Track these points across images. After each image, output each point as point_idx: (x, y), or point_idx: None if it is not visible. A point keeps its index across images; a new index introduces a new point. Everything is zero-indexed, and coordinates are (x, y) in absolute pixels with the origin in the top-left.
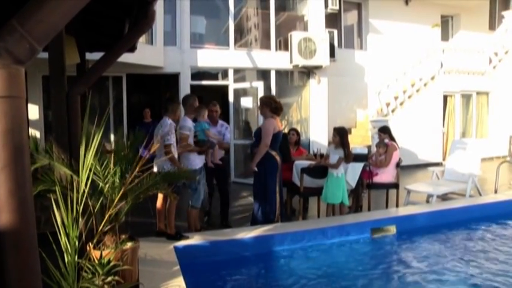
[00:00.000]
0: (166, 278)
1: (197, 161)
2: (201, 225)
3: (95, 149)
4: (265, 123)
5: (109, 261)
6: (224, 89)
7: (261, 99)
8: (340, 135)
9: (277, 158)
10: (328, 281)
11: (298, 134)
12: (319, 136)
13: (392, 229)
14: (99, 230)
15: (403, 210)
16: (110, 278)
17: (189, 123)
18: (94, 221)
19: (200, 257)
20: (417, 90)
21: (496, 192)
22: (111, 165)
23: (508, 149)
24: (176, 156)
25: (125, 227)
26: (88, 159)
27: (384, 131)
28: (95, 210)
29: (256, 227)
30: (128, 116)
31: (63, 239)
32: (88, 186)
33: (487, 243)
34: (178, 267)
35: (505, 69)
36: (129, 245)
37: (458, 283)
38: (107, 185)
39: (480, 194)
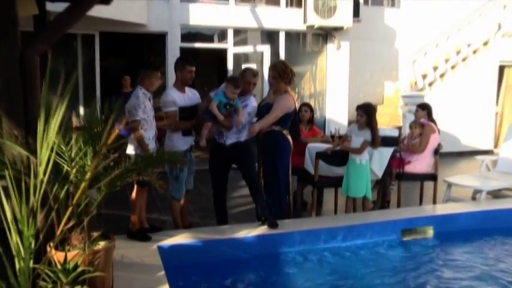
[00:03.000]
0: (147, 285)
1: (180, 143)
2: (191, 221)
3: (57, 124)
4: (282, 101)
5: (76, 266)
6: (221, 54)
7: (276, 66)
8: (368, 114)
9: (290, 139)
10: None
11: (312, 110)
12: (337, 114)
13: (429, 231)
14: (63, 225)
15: (443, 209)
16: None
17: (171, 96)
18: (56, 215)
19: (190, 259)
20: (463, 59)
21: None
22: (80, 145)
23: None
24: (150, 135)
25: (98, 222)
26: (49, 136)
27: (423, 107)
28: (58, 201)
29: (259, 224)
30: (101, 85)
31: (14, 239)
32: (49, 170)
33: None
34: (163, 272)
35: None
36: (101, 244)
37: None
38: (74, 169)
39: None
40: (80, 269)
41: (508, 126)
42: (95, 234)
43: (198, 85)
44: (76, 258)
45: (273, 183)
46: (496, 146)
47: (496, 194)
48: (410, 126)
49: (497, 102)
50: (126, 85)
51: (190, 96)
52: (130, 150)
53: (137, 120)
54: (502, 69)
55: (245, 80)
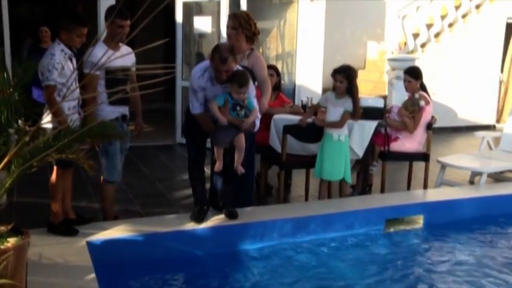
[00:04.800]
0: None
1: (108, 110)
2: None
3: None
4: (259, 58)
5: None
6: (168, 4)
7: (237, 15)
8: (349, 79)
9: None
10: None
11: (278, 74)
12: (309, 80)
13: (418, 221)
14: None
15: (435, 194)
16: None
17: (94, 56)
18: None
19: (128, 258)
20: (463, 16)
21: None
22: None
23: None
24: (71, 104)
25: (8, 214)
26: None
27: (416, 76)
28: None
29: (215, 213)
30: (12, 39)
31: None
32: None
33: None
34: (93, 275)
35: None
36: (11, 242)
37: None
38: None
39: None
40: None
41: None
42: (3, 228)
43: (139, 43)
44: None
45: (248, 165)
46: (498, 120)
47: (498, 177)
48: (406, 107)
49: (502, 68)
50: (45, 39)
51: (124, 56)
52: (46, 122)
53: (51, 85)
54: (509, 28)
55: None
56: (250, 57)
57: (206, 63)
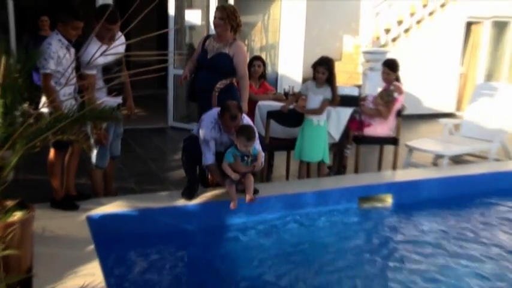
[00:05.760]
0: (74, 263)
1: (109, 101)
2: (116, 189)
3: None
4: (241, 48)
5: None
6: None
7: (225, 8)
8: (330, 71)
9: None
10: (294, 267)
11: (264, 64)
12: (291, 70)
13: (388, 199)
14: None
15: (403, 175)
16: None
17: (89, 54)
18: None
19: (124, 231)
20: (430, 14)
21: None
22: None
23: None
24: (66, 91)
25: (14, 190)
26: None
27: (393, 68)
28: None
29: (204, 191)
30: (17, 28)
31: None
32: None
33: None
34: (92, 246)
35: None
36: (17, 215)
37: (470, 274)
38: None
39: (510, 158)
40: None
41: (475, 88)
42: (9, 203)
43: (135, 33)
44: None
45: None
46: (458, 109)
47: (457, 160)
48: (382, 97)
49: (462, 62)
50: (44, 27)
51: (116, 44)
52: (43, 106)
53: (48, 74)
54: (469, 25)
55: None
56: (232, 45)
57: (213, 114)
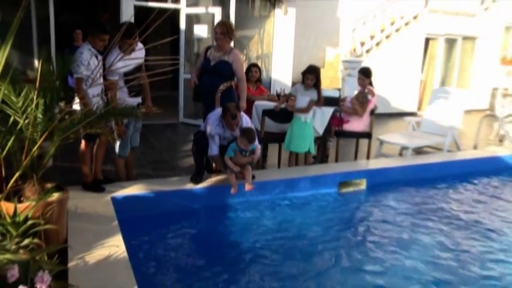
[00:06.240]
0: (101, 236)
1: (130, 100)
2: (137, 175)
3: (8, 74)
4: (238, 56)
5: (26, 219)
6: (175, 14)
7: (225, 23)
8: (317, 77)
9: None
10: (285, 241)
11: (259, 70)
12: (282, 75)
13: (362, 183)
14: (14, 178)
15: (375, 163)
16: (27, 241)
17: (110, 62)
18: (6, 167)
19: (143, 210)
20: (397, 30)
21: (475, 148)
22: (34, 96)
23: (489, 102)
24: (95, 92)
25: (53, 174)
26: None
27: (368, 75)
28: (3, 152)
29: (209, 176)
30: (57, 40)
31: None
32: None
33: (463, 202)
34: (116, 222)
35: (499, 12)
36: (55, 196)
37: (430, 244)
38: (26, 121)
39: (459, 149)
40: (30, 222)
41: (432, 92)
42: (49, 185)
43: (151, 43)
44: (27, 210)
45: None
46: (419, 108)
47: (419, 151)
48: (358, 99)
49: (422, 70)
50: (77, 39)
51: (136, 55)
52: (76, 105)
53: (79, 78)
54: (427, 41)
55: (227, 122)
56: (231, 54)
57: (218, 114)
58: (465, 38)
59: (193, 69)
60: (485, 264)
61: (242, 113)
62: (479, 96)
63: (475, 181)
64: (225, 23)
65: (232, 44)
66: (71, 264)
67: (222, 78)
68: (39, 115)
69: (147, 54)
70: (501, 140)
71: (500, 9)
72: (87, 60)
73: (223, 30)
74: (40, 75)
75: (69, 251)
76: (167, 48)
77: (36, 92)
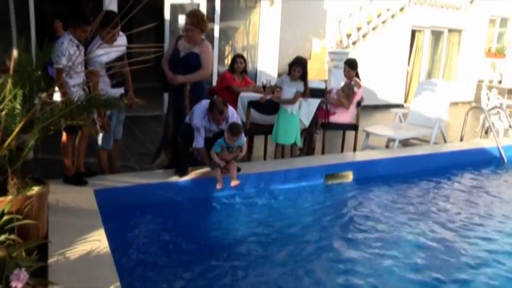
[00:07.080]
0: (83, 231)
1: (113, 91)
2: (119, 167)
3: None
4: (208, 47)
5: (2, 214)
6: (159, 4)
7: (195, 14)
8: (304, 69)
9: None
10: (271, 232)
11: (245, 61)
12: (268, 66)
13: (349, 176)
14: None
15: (361, 155)
16: (3, 237)
17: (94, 52)
18: None
19: (126, 203)
20: (383, 22)
21: (461, 140)
22: (9, 86)
23: (475, 94)
24: (75, 82)
25: (34, 167)
26: None
27: (353, 66)
28: None
29: (193, 169)
30: (37, 29)
31: None
32: None
33: (449, 193)
34: (98, 216)
35: (484, 5)
36: (35, 190)
37: (417, 236)
38: (3, 112)
39: (445, 141)
40: (5, 218)
41: (418, 84)
42: (28, 179)
43: (136, 35)
44: (3, 205)
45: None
46: (405, 100)
47: (405, 143)
48: (343, 90)
49: (408, 62)
50: (58, 28)
51: (118, 42)
52: (56, 96)
53: (60, 68)
54: (414, 33)
55: (213, 117)
56: (201, 45)
57: (203, 106)
58: (451, 31)
59: (163, 60)
60: (470, 255)
61: (230, 107)
62: (465, 89)
63: (461, 173)
64: (195, 13)
65: (203, 36)
66: (51, 260)
67: (190, 70)
68: (18, 106)
69: (130, 43)
70: (486, 132)
71: (485, 2)
72: (68, 51)
73: (194, 21)
74: (18, 65)
75: (49, 247)
76: (152, 40)
77: (11, 82)
